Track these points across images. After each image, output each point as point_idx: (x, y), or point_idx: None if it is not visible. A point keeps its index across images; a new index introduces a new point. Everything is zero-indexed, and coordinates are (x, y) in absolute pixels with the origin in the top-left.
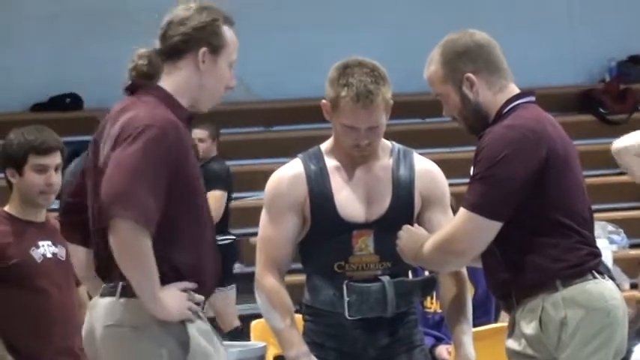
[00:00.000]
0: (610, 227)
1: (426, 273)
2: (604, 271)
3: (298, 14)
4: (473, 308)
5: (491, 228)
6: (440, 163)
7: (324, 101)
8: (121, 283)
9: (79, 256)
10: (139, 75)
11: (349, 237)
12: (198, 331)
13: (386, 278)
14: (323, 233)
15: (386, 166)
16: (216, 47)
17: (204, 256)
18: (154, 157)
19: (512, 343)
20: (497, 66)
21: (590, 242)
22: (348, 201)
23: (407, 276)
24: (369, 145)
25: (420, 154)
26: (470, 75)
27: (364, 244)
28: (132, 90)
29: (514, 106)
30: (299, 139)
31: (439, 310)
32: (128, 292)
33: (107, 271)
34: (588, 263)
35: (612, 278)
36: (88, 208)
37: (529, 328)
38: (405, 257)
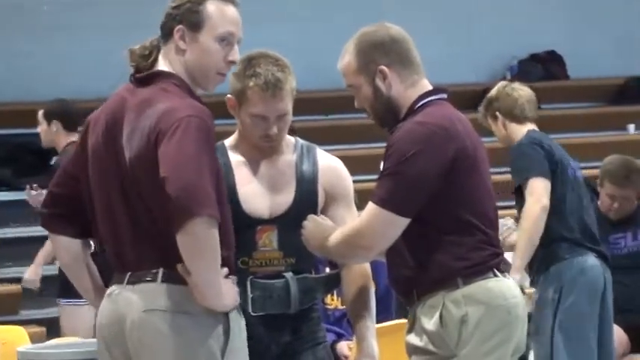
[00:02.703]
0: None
1: (327, 270)
2: (505, 270)
3: None
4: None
5: (398, 224)
6: (343, 159)
7: (229, 96)
8: (161, 270)
9: (65, 246)
10: (143, 60)
11: (253, 232)
12: (235, 319)
13: (289, 275)
14: None
15: (289, 162)
16: (194, 24)
17: (231, 247)
18: (207, 148)
19: (413, 339)
20: (411, 61)
21: (493, 242)
22: (252, 196)
23: (310, 272)
24: (278, 134)
25: (322, 150)
26: (383, 67)
27: (268, 240)
28: (146, 80)
29: (426, 102)
30: None
31: (340, 307)
32: (170, 278)
33: (140, 258)
34: (489, 262)
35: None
36: (82, 197)
37: (430, 324)
38: (309, 246)
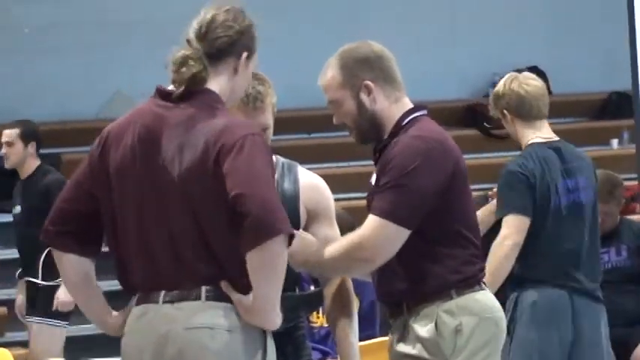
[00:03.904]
0: None
1: (312, 288)
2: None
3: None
4: (358, 320)
5: (400, 235)
6: (326, 177)
7: None
8: (204, 287)
9: (73, 265)
10: (197, 81)
11: None
12: (269, 337)
13: None
14: None
15: None
16: (252, 52)
17: None
18: (271, 165)
19: (404, 347)
20: (394, 78)
21: (481, 255)
22: None
23: (294, 290)
24: None
25: (306, 169)
26: (369, 82)
27: None
28: (185, 96)
29: (414, 118)
30: None
31: (325, 325)
32: (214, 295)
33: (179, 276)
34: (478, 276)
35: None
36: (95, 214)
37: (425, 331)
38: (293, 262)
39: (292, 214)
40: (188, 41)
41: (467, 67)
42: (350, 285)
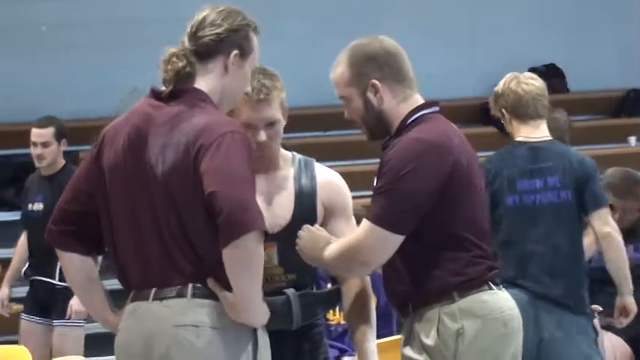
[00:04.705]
0: None
1: (329, 286)
2: (499, 282)
3: None
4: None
5: (393, 241)
6: (343, 175)
7: None
8: (190, 285)
9: (76, 264)
10: (181, 77)
11: None
12: (262, 335)
13: (291, 291)
14: None
15: (287, 177)
16: (245, 52)
17: None
18: (250, 162)
19: (411, 353)
20: (404, 75)
21: (488, 256)
22: None
23: (312, 288)
24: (268, 143)
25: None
26: (375, 81)
27: (268, 257)
28: (174, 94)
29: (418, 117)
30: None
31: (342, 322)
32: (200, 293)
33: (167, 274)
34: (485, 276)
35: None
36: (94, 213)
37: (428, 339)
38: (304, 257)
39: (309, 210)
40: (182, 41)
41: (485, 64)
42: (368, 285)
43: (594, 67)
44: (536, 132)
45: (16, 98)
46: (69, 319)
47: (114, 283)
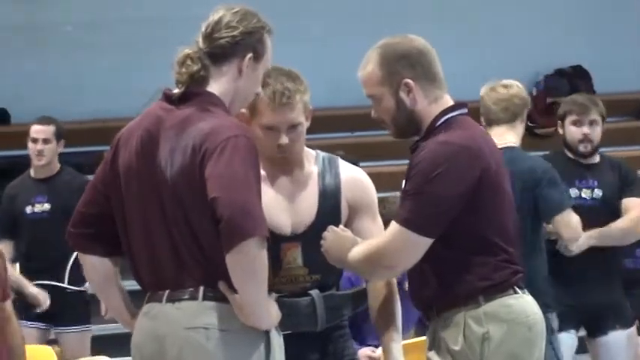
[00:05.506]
0: None
1: (363, 284)
2: (524, 286)
3: None
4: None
5: (421, 244)
6: (370, 176)
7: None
8: (202, 287)
9: (96, 266)
10: (195, 80)
11: (277, 250)
12: (275, 337)
13: (315, 292)
14: None
15: (311, 176)
16: (259, 54)
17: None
18: (255, 167)
19: (436, 357)
20: (435, 75)
21: (514, 260)
22: (274, 212)
23: (337, 289)
24: (291, 145)
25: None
26: (409, 81)
27: (292, 257)
28: (186, 97)
29: (448, 119)
30: None
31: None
32: (212, 296)
33: (179, 276)
34: (511, 280)
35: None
36: (112, 215)
37: (455, 344)
38: (329, 258)
39: (334, 209)
40: (197, 41)
41: (510, 66)
42: (394, 286)
43: (620, 69)
44: (502, 138)
45: (41, 98)
46: (79, 323)
47: (135, 284)
